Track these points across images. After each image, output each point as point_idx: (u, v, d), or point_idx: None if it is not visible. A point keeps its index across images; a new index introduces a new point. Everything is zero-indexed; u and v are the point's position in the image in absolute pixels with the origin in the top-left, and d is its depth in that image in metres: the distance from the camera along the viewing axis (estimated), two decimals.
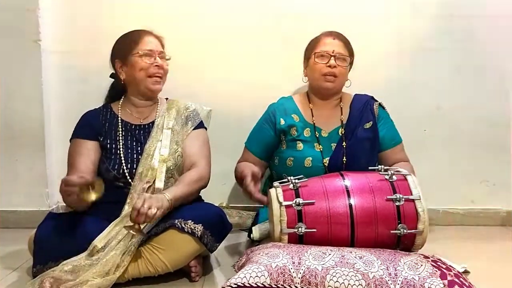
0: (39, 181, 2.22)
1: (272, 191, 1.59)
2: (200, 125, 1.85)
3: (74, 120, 1.82)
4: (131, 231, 1.48)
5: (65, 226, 1.56)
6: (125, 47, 1.76)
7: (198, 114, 1.87)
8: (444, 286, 1.30)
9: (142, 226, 1.50)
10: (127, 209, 1.60)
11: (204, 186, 1.76)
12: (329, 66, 1.84)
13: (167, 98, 1.90)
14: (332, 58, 1.84)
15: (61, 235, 1.53)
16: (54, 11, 2.21)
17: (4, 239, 2.05)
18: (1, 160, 2.21)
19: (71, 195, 1.45)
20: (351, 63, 1.93)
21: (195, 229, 1.52)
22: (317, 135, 1.88)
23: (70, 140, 1.78)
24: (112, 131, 1.77)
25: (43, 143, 2.21)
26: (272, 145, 1.93)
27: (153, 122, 1.79)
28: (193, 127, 1.82)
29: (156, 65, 1.74)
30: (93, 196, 1.47)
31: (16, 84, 2.17)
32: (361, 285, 1.30)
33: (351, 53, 1.91)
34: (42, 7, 2.16)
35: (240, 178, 1.83)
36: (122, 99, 1.84)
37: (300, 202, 1.51)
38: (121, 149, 1.73)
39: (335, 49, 1.86)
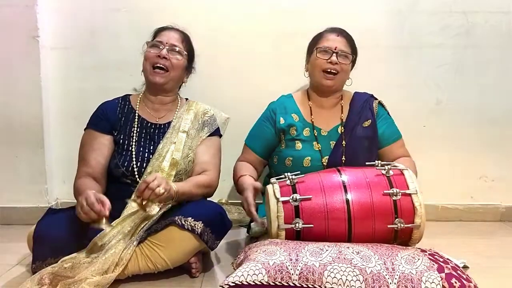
0: (38, 177, 2.22)
1: (269, 187, 1.58)
2: (216, 132, 1.84)
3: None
4: (133, 204, 1.51)
5: (65, 222, 1.56)
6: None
7: (216, 121, 1.85)
8: (442, 279, 1.29)
9: (145, 204, 1.53)
10: (128, 207, 1.58)
11: (210, 195, 1.76)
12: (330, 63, 1.82)
13: (187, 99, 1.88)
14: (334, 54, 1.82)
15: (61, 231, 1.52)
16: (52, 7, 2.20)
17: (3, 236, 2.06)
18: (0, 157, 2.21)
19: (87, 215, 1.44)
20: (353, 61, 1.90)
21: (195, 226, 1.51)
22: (316, 134, 1.87)
23: (85, 129, 1.77)
24: (128, 126, 1.75)
25: (42, 140, 2.21)
26: (272, 143, 1.92)
27: (169, 123, 1.78)
28: (208, 134, 1.81)
29: (158, 56, 1.72)
30: (102, 225, 1.47)
31: (15, 80, 2.17)
32: (359, 280, 1.30)
33: (354, 51, 1.89)
34: (40, 3, 2.16)
35: (238, 185, 1.83)
36: (142, 93, 1.84)
37: (297, 197, 1.51)
38: (133, 146, 1.72)
39: (338, 45, 1.83)
